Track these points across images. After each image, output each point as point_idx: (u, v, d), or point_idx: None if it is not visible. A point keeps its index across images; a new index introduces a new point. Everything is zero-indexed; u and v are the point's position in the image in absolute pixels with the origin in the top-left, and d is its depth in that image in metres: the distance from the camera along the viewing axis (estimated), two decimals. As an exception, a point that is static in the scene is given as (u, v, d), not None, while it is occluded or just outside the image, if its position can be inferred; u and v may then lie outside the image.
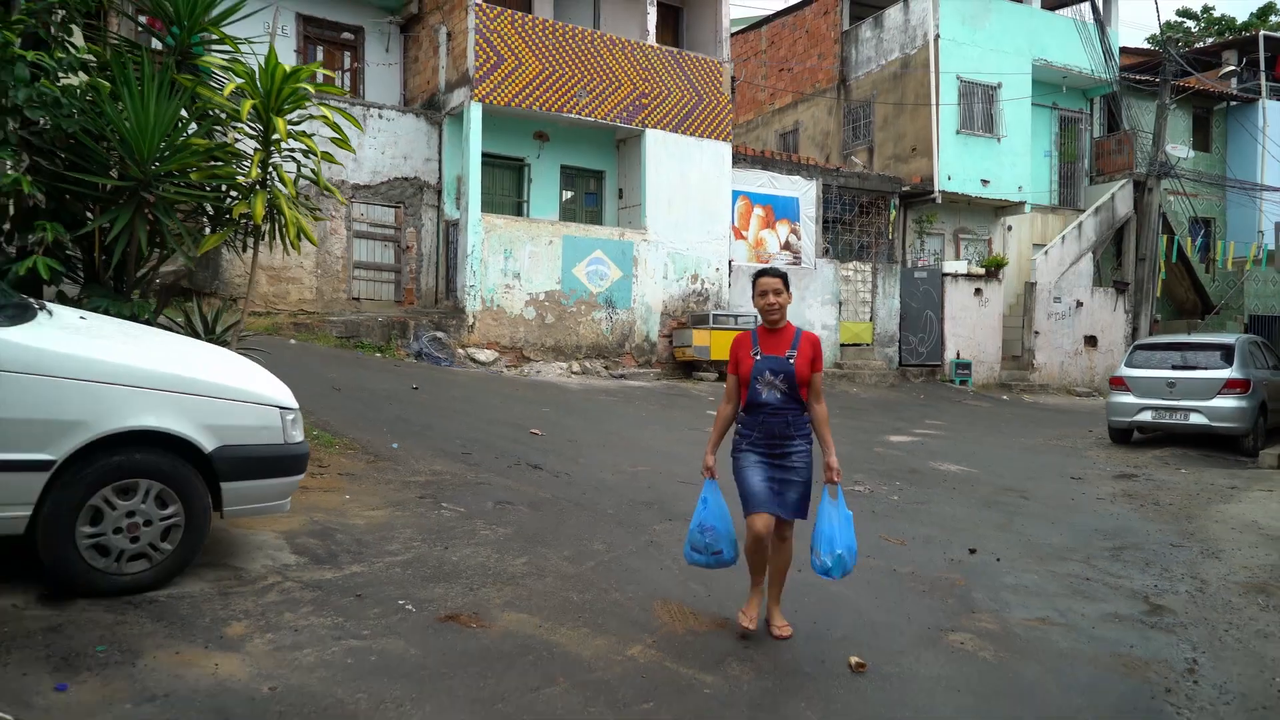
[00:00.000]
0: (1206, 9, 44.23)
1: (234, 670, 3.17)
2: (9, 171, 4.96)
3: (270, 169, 5.85)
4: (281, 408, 4.01)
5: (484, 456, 7.21)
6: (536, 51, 13.72)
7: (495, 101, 13.36)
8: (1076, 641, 4.41)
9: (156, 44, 6.40)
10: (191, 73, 5.90)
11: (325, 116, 5.98)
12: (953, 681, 3.83)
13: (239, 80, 5.72)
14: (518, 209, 14.91)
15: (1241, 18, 42.62)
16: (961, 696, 3.70)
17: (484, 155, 13.55)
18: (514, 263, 13.64)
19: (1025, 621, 4.66)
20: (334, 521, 5.03)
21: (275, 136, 5.80)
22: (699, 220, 15.44)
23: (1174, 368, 11.57)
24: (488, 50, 13.24)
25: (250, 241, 6.08)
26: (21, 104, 4.94)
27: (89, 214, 5.46)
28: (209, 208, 6.07)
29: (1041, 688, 3.86)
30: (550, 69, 13.85)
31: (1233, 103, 24.25)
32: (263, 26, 11.30)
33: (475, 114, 13.21)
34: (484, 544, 5.01)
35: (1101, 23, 17.56)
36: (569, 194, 15.63)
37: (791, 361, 3.90)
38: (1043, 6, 20.43)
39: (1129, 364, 12.11)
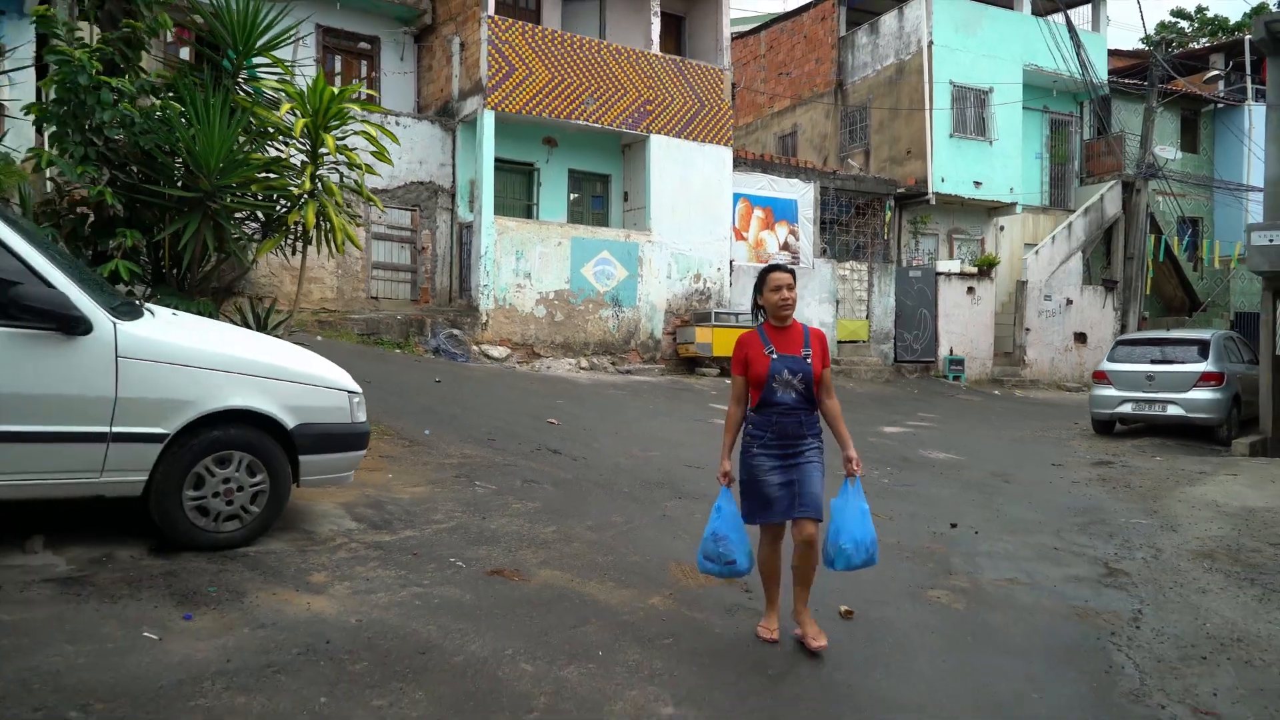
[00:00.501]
0: (1200, 9, 44.76)
1: (324, 608, 3.80)
2: (93, 185, 5.59)
3: (318, 180, 6.47)
4: (349, 392, 4.64)
5: (507, 442, 7.84)
6: (546, 61, 14.34)
7: (507, 109, 13.99)
8: (1039, 597, 5.05)
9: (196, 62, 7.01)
10: (247, 93, 6.53)
11: (369, 134, 6.60)
12: (928, 625, 4.46)
13: (290, 101, 6.34)
14: (527, 211, 15.53)
15: (1235, 18, 43.15)
16: (935, 637, 4.33)
17: (495, 160, 14.18)
18: (525, 263, 14.27)
19: (995, 581, 5.29)
20: (383, 496, 5.65)
21: (323, 151, 6.43)
22: (701, 222, 16.07)
23: (1153, 362, 12.21)
24: (500, 60, 13.86)
25: (298, 245, 6.71)
26: (106, 124, 5.57)
27: (158, 222, 6.08)
28: (260, 215, 6.70)
29: (1004, 631, 4.49)
30: (559, 77, 14.47)
31: (1220, 105, 24.88)
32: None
33: (488, 122, 13.83)
34: (516, 515, 5.64)
35: (1077, 39, 18.16)
36: (576, 197, 16.25)
37: (809, 360, 3.83)
38: (1033, 13, 21.05)
39: (1111, 359, 12.76)
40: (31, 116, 5.72)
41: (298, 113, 6.34)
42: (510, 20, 14.13)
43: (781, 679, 3.65)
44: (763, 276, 3.98)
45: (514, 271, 14.17)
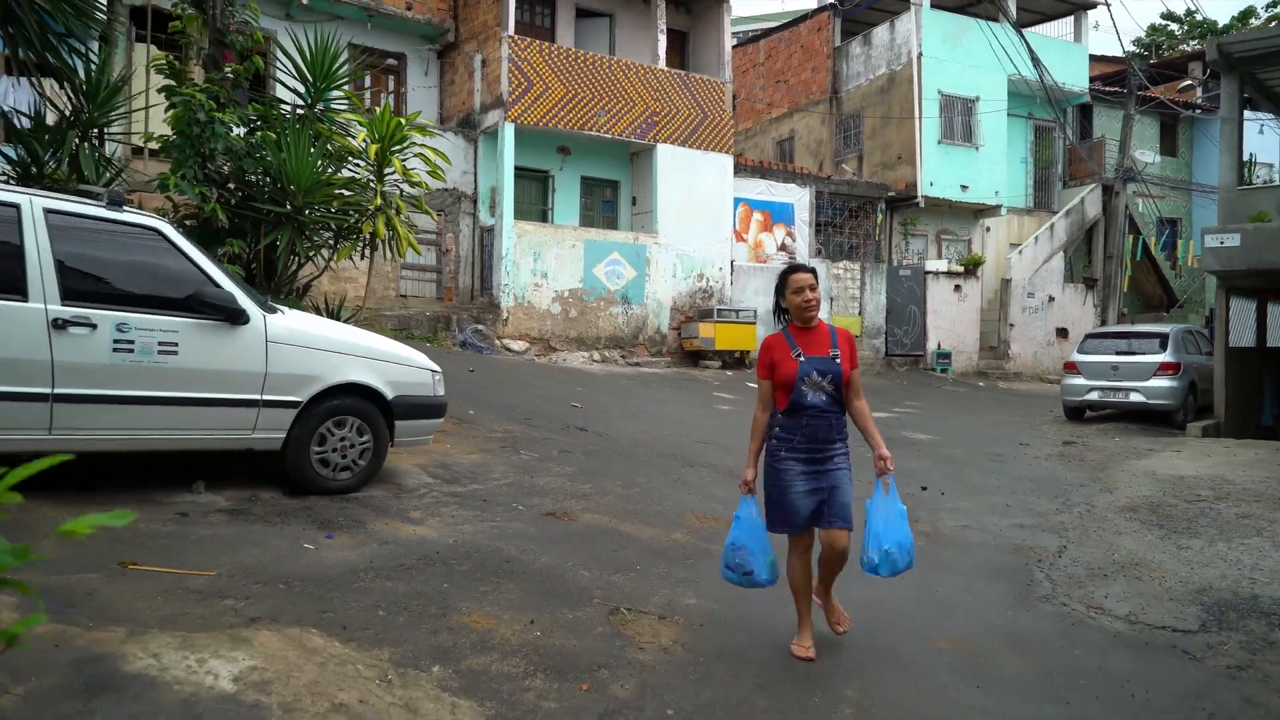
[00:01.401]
0: (1189, 12, 45.74)
1: (426, 534, 4.97)
2: (204, 201, 6.75)
3: (384, 196, 7.65)
4: (432, 371, 5.81)
5: (540, 421, 9.02)
6: (560, 76, 15.50)
7: (525, 122, 15.15)
8: (985, 538, 6.23)
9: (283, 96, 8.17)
10: (324, 121, 7.70)
11: (426, 157, 7.77)
12: (892, 555, 5.64)
13: (363, 130, 7.51)
14: (543, 215, 16.68)
15: (1224, 21, 44.11)
16: (897, 562, 5.50)
17: (514, 168, 15.33)
18: (542, 264, 15.44)
19: (952, 527, 6.47)
20: (448, 460, 6.83)
21: (390, 170, 7.61)
22: (704, 225, 17.24)
23: (1118, 353, 13.41)
24: (519, 76, 15.02)
25: (366, 251, 7.88)
26: (218, 152, 6.75)
27: (254, 233, 7.24)
28: (333, 225, 7.86)
29: (952, 559, 5.67)
30: (572, 91, 15.63)
31: (1198, 112, 26.04)
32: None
33: (509, 134, 15.00)
34: (557, 476, 6.81)
35: (1039, 63, 19.35)
36: (588, 201, 17.41)
37: (838, 362, 3.71)
38: (1017, 25, 22.19)
39: (1080, 351, 13.96)
40: (155, 145, 6.89)
41: (368, 139, 7.51)
42: (529, 40, 15.29)
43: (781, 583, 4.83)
44: (784, 278, 3.83)
45: (532, 271, 15.34)
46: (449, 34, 16.45)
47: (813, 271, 3.85)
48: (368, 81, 16.20)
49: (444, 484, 6.10)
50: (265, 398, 5.02)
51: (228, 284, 4.95)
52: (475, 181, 15.97)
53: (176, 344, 4.70)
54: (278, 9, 14.25)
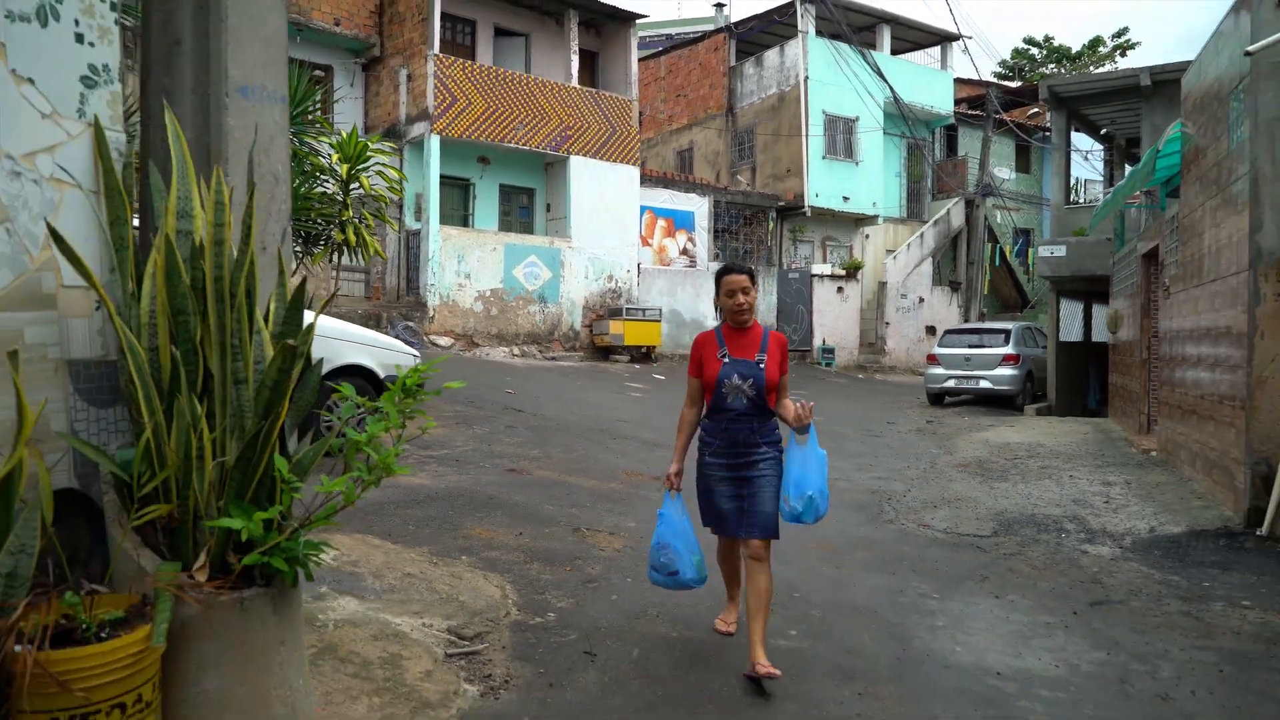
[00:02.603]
0: (1048, 38, 50.11)
1: (419, 482, 6.31)
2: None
3: (352, 208, 8.86)
4: (414, 355, 7.13)
5: (483, 405, 10.35)
6: (482, 92, 16.75)
7: (450, 134, 16.34)
8: (851, 486, 7.98)
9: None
10: (299, 143, 8.84)
11: (385, 174, 9.01)
12: (780, 496, 7.31)
13: (335, 152, 8.71)
14: (464, 220, 17.88)
15: (1076, 47, 48.51)
16: (783, 501, 7.18)
17: (439, 177, 16.49)
18: (465, 265, 16.65)
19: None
20: (416, 432, 8.12)
21: (356, 186, 8.83)
22: (613, 230, 18.78)
23: (970, 347, 15.66)
24: (444, 92, 16.19)
25: (334, 257, 9.05)
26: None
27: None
28: (303, 234, 9.00)
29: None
30: (493, 106, 16.89)
31: (1047, 134, 29.26)
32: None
33: (435, 145, 16.16)
34: (510, 444, 8.21)
35: (899, 100, 21.83)
36: (506, 208, 18.69)
37: (762, 366, 3.56)
38: (892, 53, 24.66)
39: (940, 345, 16.18)
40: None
41: (339, 160, 8.70)
42: (453, 58, 16.48)
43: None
44: (719, 278, 3.71)
45: (456, 272, 16.53)
46: (374, 49, 17.45)
47: (748, 273, 3.69)
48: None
49: (420, 450, 7.42)
50: (287, 376, 6.25)
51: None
52: (401, 188, 16.99)
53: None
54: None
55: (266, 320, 2.49)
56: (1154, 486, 7.72)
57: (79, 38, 2.30)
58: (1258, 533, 5.71)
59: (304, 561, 2.35)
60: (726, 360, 3.59)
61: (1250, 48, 5.71)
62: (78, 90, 2.30)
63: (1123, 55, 42.13)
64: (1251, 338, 5.84)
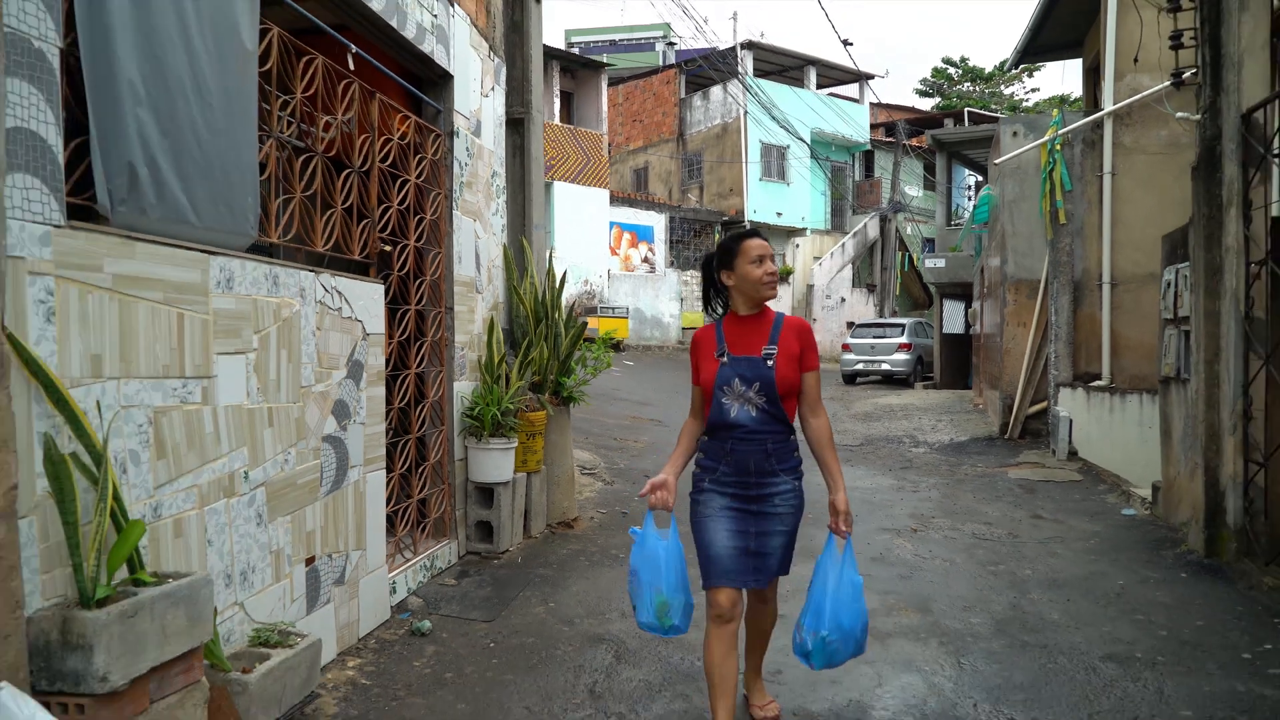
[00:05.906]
0: (964, 59, 55.17)
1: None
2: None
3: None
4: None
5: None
6: (484, 130, 20.43)
7: (459, 165, 20.00)
8: (778, 425, 12.11)
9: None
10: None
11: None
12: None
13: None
14: (466, 234, 21.50)
15: (989, 67, 53.50)
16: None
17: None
18: (471, 272, 20.35)
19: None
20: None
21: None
22: (589, 242, 22.67)
23: (874, 337, 20.01)
24: (455, 131, 19.85)
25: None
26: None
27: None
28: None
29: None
30: (492, 142, 20.59)
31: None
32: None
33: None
34: (549, 401, 12.14)
35: (808, 143, 26.18)
36: (499, 223, 22.38)
37: (770, 364, 2.72)
38: (818, 89, 29.03)
39: (851, 335, 20.51)
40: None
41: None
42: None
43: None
44: (731, 246, 2.87)
45: (464, 278, 20.21)
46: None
47: (766, 239, 2.90)
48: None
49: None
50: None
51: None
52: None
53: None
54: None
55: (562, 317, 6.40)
56: (965, 421, 12.03)
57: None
58: (1005, 437, 9.98)
59: (577, 398, 6.27)
60: (726, 360, 2.79)
61: (995, 160, 9.95)
62: (501, 224, 6.19)
63: (1029, 76, 47.02)
64: (1003, 325, 10.10)
